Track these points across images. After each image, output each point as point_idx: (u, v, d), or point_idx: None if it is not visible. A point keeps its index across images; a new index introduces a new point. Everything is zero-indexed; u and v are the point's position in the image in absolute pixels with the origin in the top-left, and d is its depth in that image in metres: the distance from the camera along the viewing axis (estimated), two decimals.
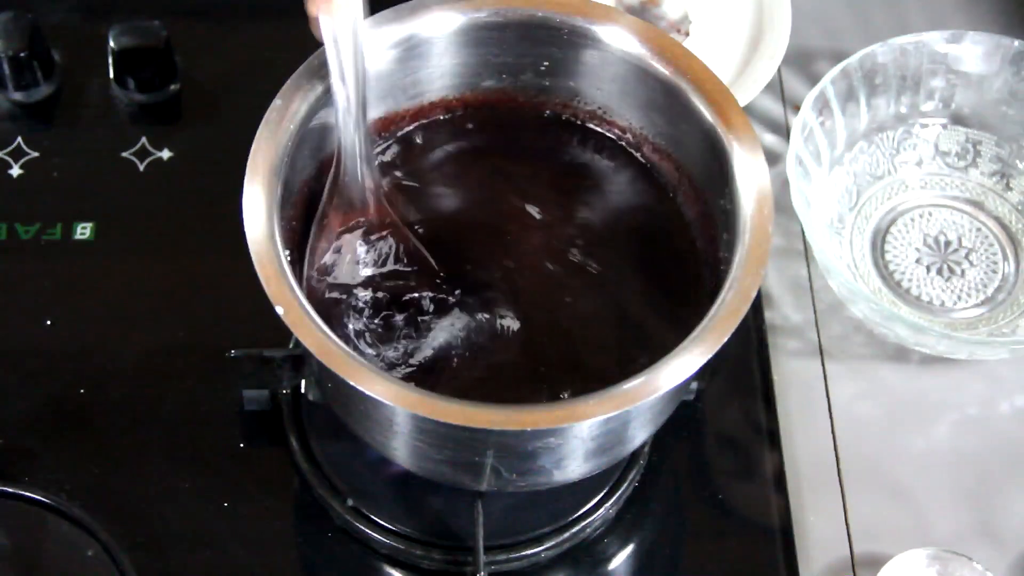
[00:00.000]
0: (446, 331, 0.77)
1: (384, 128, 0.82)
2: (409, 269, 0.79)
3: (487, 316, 0.77)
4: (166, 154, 0.99)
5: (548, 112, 0.83)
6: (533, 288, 0.79)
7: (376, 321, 0.77)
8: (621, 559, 0.84)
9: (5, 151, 0.98)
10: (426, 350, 0.76)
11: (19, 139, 0.99)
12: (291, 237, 0.76)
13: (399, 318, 0.77)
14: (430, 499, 0.83)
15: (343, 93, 0.73)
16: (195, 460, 0.86)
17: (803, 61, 1.05)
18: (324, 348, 0.67)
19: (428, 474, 0.76)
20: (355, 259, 0.78)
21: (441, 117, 0.83)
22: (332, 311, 0.76)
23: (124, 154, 0.99)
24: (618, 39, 0.78)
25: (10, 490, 0.83)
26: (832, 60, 0.98)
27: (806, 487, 0.87)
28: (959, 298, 0.94)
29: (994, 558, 0.84)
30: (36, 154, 0.98)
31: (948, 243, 0.96)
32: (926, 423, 0.90)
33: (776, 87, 1.03)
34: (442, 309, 0.78)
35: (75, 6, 1.06)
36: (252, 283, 0.68)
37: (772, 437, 0.88)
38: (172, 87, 1.01)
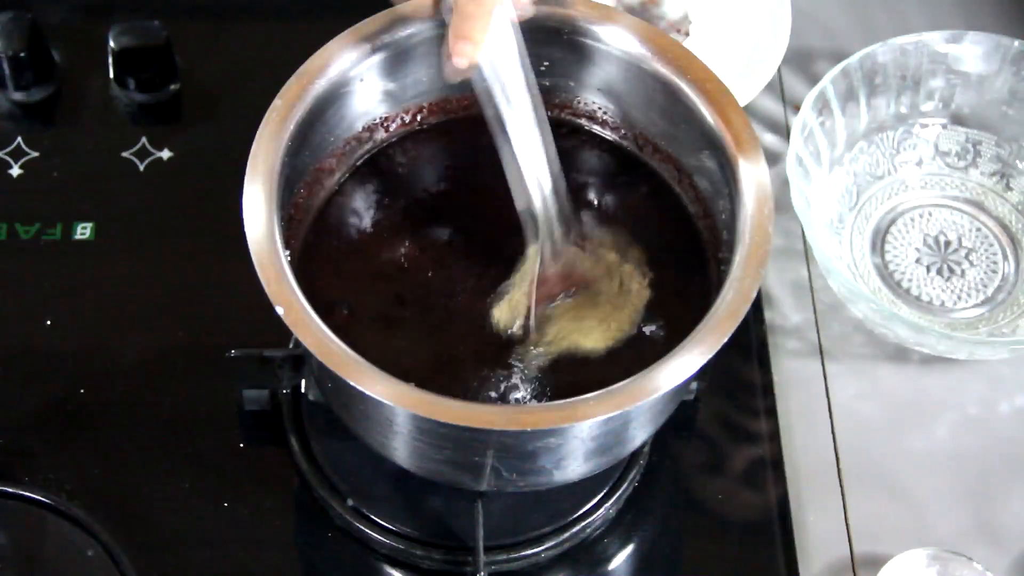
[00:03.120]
0: (446, 331, 0.77)
1: (384, 129, 0.82)
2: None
3: (485, 314, 0.77)
4: (166, 154, 0.99)
5: (548, 112, 0.83)
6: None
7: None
8: (621, 559, 0.84)
9: (5, 151, 0.98)
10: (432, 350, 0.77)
11: (19, 139, 0.99)
12: (291, 237, 0.77)
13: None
14: (430, 499, 0.83)
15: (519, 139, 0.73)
16: (195, 460, 0.86)
17: (803, 61, 1.05)
18: (324, 348, 0.67)
19: (428, 474, 0.76)
20: None
21: (441, 118, 0.83)
22: None
23: (124, 154, 0.99)
24: (618, 39, 0.78)
25: (10, 490, 0.83)
26: (832, 60, 0.98)
27: (806, 487, 0.87)
28: (959, 298, 0.94)
29: (994, 558, 0.84)
30: (36, 154, 0.98)
31: (948, 243, 0.96)
32: (926, 423, 0.90)
33: (776, 87, 1.03)
34: (447, 306, 0.78)
35: (75, 6, 1.06)
36: (252, 283, 0.68)
37: (772, 437, 0.88)
38: (172, 87, 1.01)
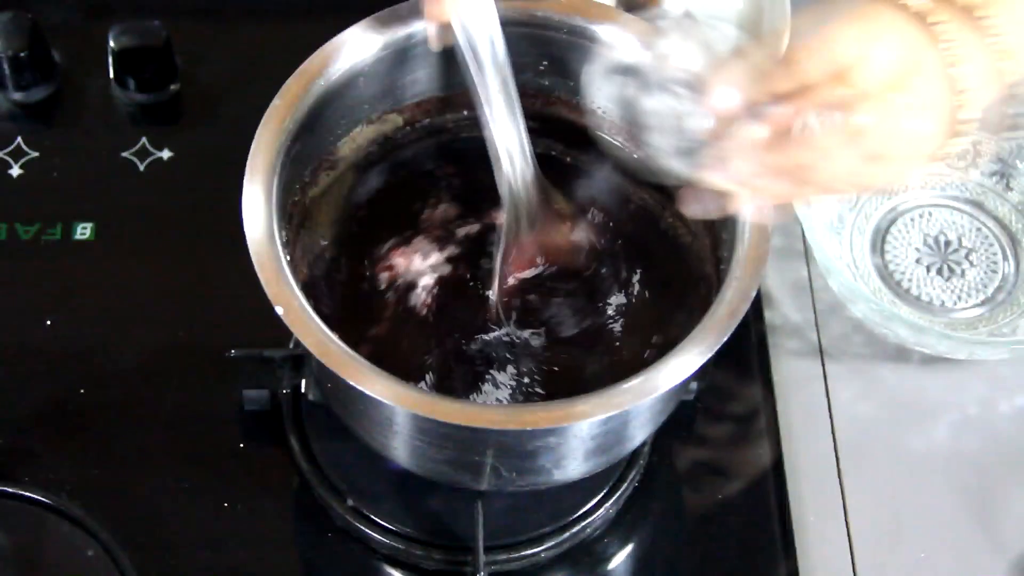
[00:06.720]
0: (449, 334, 0.77)
1: (382, 128, 0.82)
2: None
3: (486, 315, 0.77)
4: (166, 154, 0.99)
5: (547, 112, 0.83)
6: (532, 289, 0.79)
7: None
8: (621, 559, 0.84)
9: (5, 151, 0.98)
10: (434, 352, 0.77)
11: (19, 139, 0.99)
12: (291, 237, 0.77)
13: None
14: (430, 499, 0.83)
15: (484, 90, 0.73)
16: (195, 460, 0.86)
17: None
18: (324, 348, 0.67)
19: (428, 474, 0.77)
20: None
21: (440, 117, 0.83)
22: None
23: (124, 154, 0.99)
24: (618, 39, 0.78)
25: (10, 490, 0.83)
26: None
27: (806, 487, 0.87)
28: (959, 298, 0.94)
29: (994, 558, 0.84)
30: (36, 154, 0.98)
31: (948, 243, 0.96)
32: (926, 423, 0.90)
33: None
34: (450, 310, 0.78)
35: (75, 6, 1.06)
36: (252, 283, 0.69)
37: (772, 437, 0.88)
38: (172, 87, 1.01)
